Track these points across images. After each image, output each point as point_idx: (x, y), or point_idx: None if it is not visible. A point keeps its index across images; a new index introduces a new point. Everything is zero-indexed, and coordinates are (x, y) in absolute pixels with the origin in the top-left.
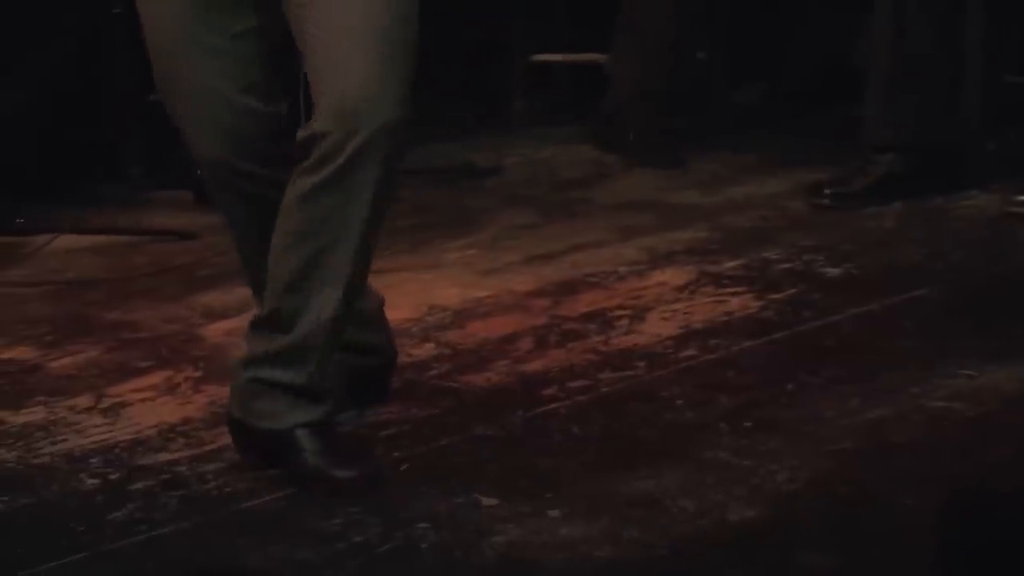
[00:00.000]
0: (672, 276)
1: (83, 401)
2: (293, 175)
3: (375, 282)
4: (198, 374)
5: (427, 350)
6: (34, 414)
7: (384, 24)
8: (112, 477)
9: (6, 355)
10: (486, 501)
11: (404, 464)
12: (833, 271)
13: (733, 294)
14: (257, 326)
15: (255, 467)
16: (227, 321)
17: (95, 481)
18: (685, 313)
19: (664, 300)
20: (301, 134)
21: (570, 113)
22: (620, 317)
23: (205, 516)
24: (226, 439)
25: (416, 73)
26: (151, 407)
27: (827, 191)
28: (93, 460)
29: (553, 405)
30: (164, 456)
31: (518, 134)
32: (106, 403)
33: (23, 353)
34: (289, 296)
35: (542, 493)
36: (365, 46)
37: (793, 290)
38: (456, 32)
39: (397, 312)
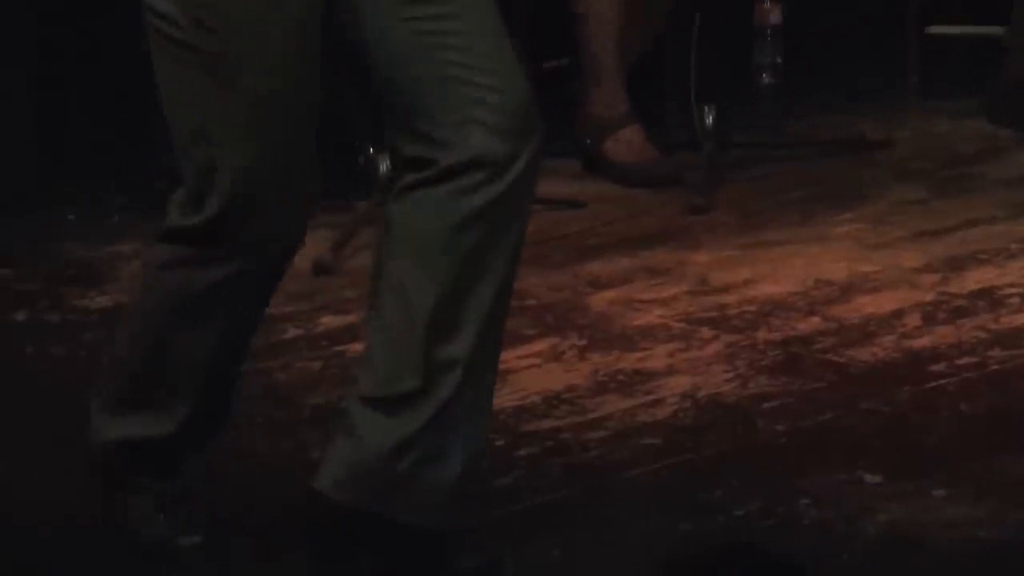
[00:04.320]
0: None
1: None
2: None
3: (763, 253)
4: (583, 342)
5: (812, 324)
6: None
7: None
8: (498, 443)
9: None
10: (869, 478)
11: (786, 438)
12: None
13: None
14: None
15: (637, 435)
16: (612, 290)
17: None
18: None
19: None
20: (448, 159)
21: (966, 87)
22: (1011, 295)
23: (587, 484)
24: (609, 407)
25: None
26: (536, 374)
27: None
28: None
29: (940, 382)
30: (548, 423)
31: (912, 107)
32: None
33: None
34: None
35: (927, 471)
36: (509, 50)
37: None
38: (851, 3)
39: (783, 285)
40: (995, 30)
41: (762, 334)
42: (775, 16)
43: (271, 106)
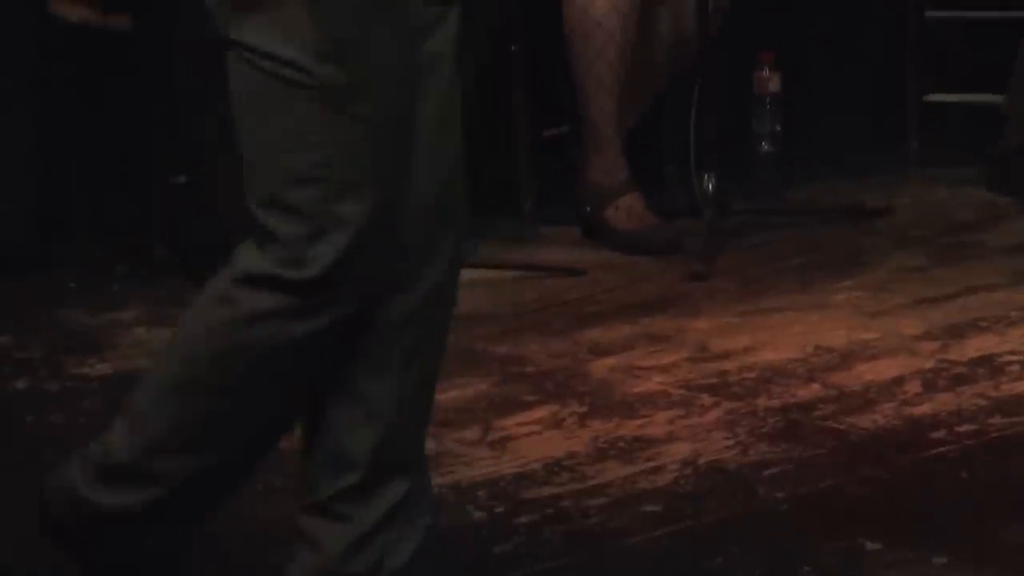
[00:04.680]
0: None
1: (471, 434)
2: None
3: (763, 320)
4: (583, 409)
5: (812, 391)
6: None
7: None
8: (498, 510)
9: None
10: (870, 545)
11: (786, 505)
12: None
13: None
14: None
15: (637, 503)
16: (613, 357)
17: (481, 513)
18: None
19: None
20: None
21: (965, 154)
22: (1011, 363)
23: (588, 551)
24: (610, 474)
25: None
26: (537, 441)
27: None
28: (480, 492)
29: (941, 449)
30: (548, 490)
31: (911, 175)
32: (493, 436)
33: None
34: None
35: (928, 539)
36: (454, 146)
37: None
38: (850, 71)
39: (783, 352)
40: (994, 98)
41: (762, 401)
42: (774, 84)
43: (394, 136)
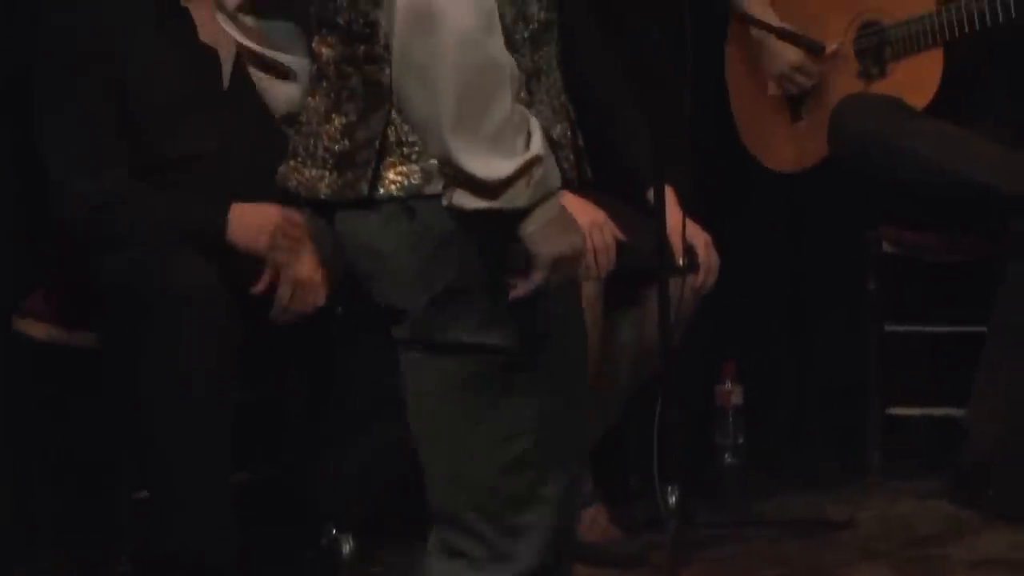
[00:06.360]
0: None
1: None
2: None
3: None
4: None
5: None
6: None
7: None
8: None
9: None
10: None
11: None
12: None
13: None
14: None
15: None
16: None
17: None
18: None
19: None
20: None
21: (928, 466)
22: None
23: None
24: None
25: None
26: None
27: None
28: None
29: None
30: None
31: (874, 487)
32: None
33: None
34: None
35: None
36: None
37: None
38: (812, 384)
39: None
40: (955, 411)
41: None
42: (736, 396)
43: (581, 407)
